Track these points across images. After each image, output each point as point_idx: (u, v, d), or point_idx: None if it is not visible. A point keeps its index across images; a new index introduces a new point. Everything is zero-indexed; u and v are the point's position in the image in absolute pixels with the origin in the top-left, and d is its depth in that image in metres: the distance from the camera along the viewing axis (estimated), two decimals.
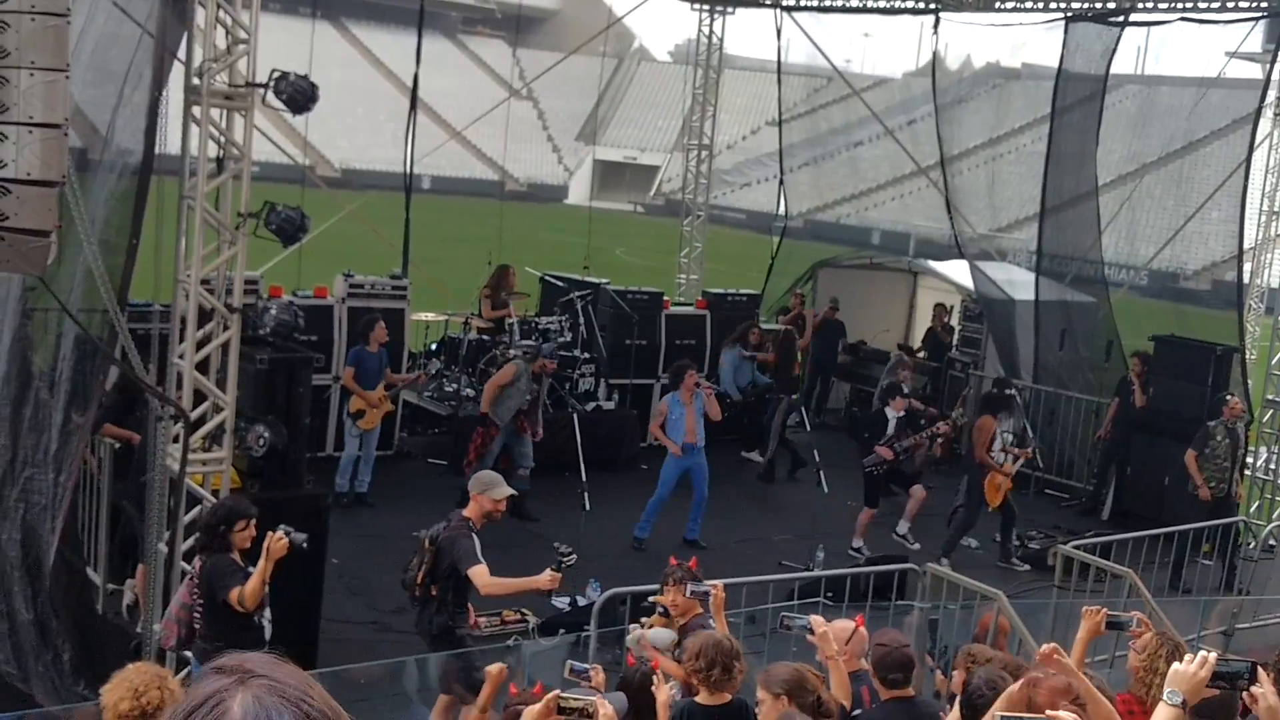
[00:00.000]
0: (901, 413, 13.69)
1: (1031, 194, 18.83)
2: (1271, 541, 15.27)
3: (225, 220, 9.13)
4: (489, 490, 8.42)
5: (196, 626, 7.63)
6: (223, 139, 9.20)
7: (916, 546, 13.68)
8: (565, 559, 7.97)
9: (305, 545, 7.59)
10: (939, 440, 14.70)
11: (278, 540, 7.34)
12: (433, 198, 44.29)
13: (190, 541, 8.51)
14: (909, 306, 22.14)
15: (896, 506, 14.27)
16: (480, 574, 8.05)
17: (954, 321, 20.14)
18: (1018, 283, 18.62)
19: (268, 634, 7.65)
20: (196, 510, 8.88)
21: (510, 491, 8.56)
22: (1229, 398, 14.26)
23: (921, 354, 20.06)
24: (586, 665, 6.36)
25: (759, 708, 5.76)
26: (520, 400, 13.77)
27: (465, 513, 8.38)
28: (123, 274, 8.48)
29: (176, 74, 9.13)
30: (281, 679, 1.79)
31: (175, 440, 8.92)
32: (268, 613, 7.69)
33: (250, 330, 9.61)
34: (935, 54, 20.53)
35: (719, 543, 13.53)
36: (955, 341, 19.83)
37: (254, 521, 7.66)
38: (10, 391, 8.65)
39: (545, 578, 7.99)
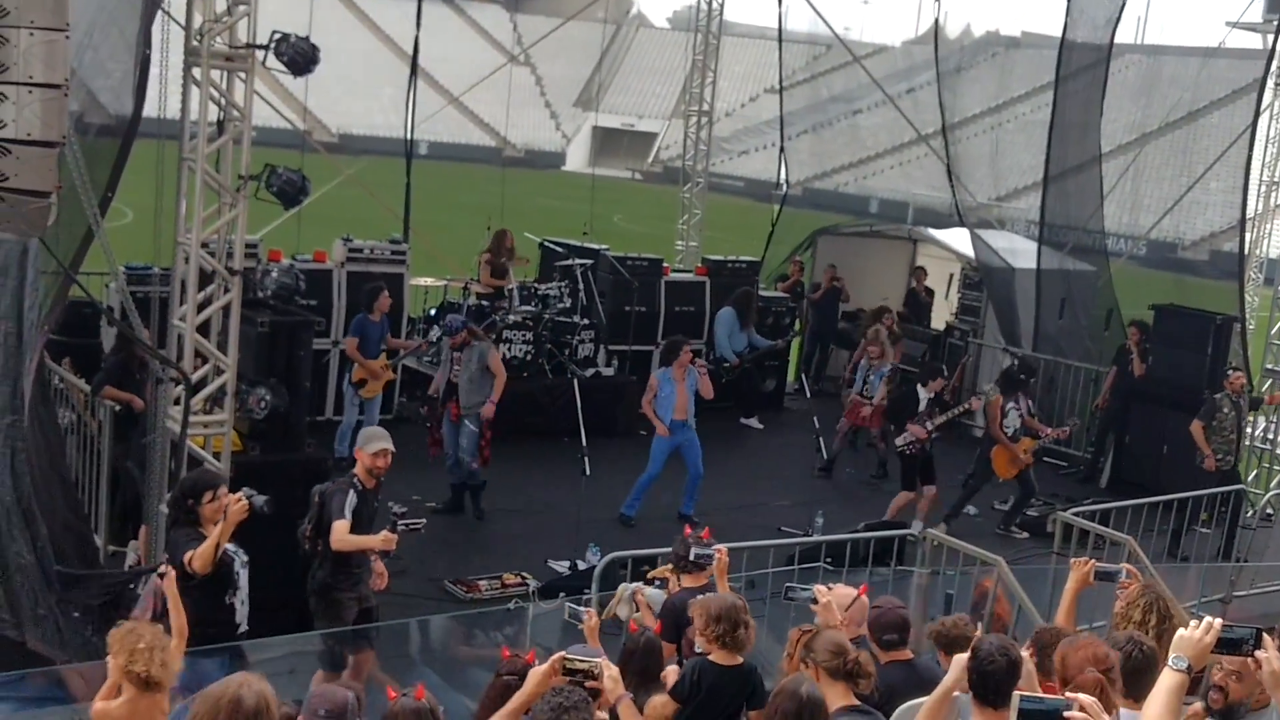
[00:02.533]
0: (934, 394, 13.54)
1: (1032, 163, 18.83)
2: (1269, 510, 15.32)
3: (225, 183, 9.10)
4: (365, 445, 8.44)
5: None
6: (223, 101, 9.15)
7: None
8: (404, 524, 8.09)
9: (266, 509, 7.42)
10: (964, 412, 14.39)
11: (236, 503, 7.19)
12: (430, 163, 44.10)
13: None
14: (908, 274, 22.13)
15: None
16: (337, 529, 8.07)
17: (954, 289, 20.19)
18: (1018, 251, 18.59)
19: (240, 616, 7.46)
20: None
21: (386, 445, 8.42)
22: (1231, 371, 14.26)
23: (903, 311, 20.17)
24: (581, 609, 6.42)
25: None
26: (445, 374, 12.88)
27: (356, 469, 8.40)
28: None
29: (176, 37, 9.09)
30: None
31: (176, 403, 8.91)
32: (242, 594, 7.49)
33: (251, 293, 9.59)
34: (936, 21, 20.50)
35: (718, 509, 13.52)
36: (954, 310, 19.86)
37: (222, 490, 7.46)
38: None
39: (379, 538, 8.09)
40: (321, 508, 8.24)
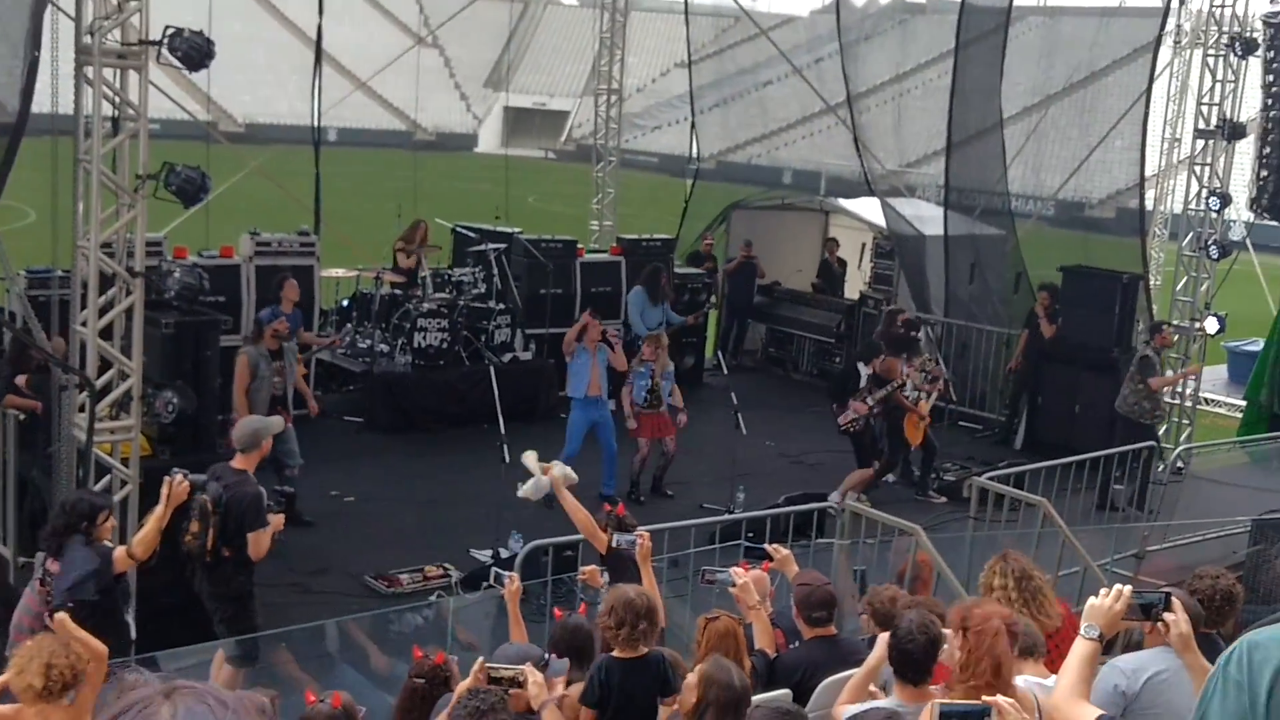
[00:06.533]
0: (873, 371, 13.54)
1: (938, 129, 18.87)
2: (1179, 464, 15.60)
3: (123, 182, 8.91)
4: (264, 435, 8.28)
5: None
6: (117, 99, 8.95)
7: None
8: (270, 502, 8.08)
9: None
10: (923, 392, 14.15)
11: (179, 484, 7.17)
12: (340, 150, 43.51)
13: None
14: (822, 245, 22.24)
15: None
16: (260, 540, 7.95)
17: (866, 259, 20.38)
18: (927, 218, 18.75)
19: (133, 633, 7.35)
20: (106, 479, 8.72)
21: (281, 424, 8.45)
22: (1165, 327, 14.59)
23: (817, 283, 20.42)
24: (506, 573, 6.36)
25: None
26: (269, 387, 11.65)
27: (237, 465, 8.14)
28: None
29: (67, 33, 8.87)
30: (207, 688, 1.78)
31: (81, 409, 8.73)
32: (132, 608, 7.46)
33: (154, 294, 9.41)
34: None
35: (639, 486, 13.53)
36: (868, 280, 20.05)
37: (110, 512, 7.39)
38: None
39: (274, 525, 8.05)
40: (226, 515, 8.01)
